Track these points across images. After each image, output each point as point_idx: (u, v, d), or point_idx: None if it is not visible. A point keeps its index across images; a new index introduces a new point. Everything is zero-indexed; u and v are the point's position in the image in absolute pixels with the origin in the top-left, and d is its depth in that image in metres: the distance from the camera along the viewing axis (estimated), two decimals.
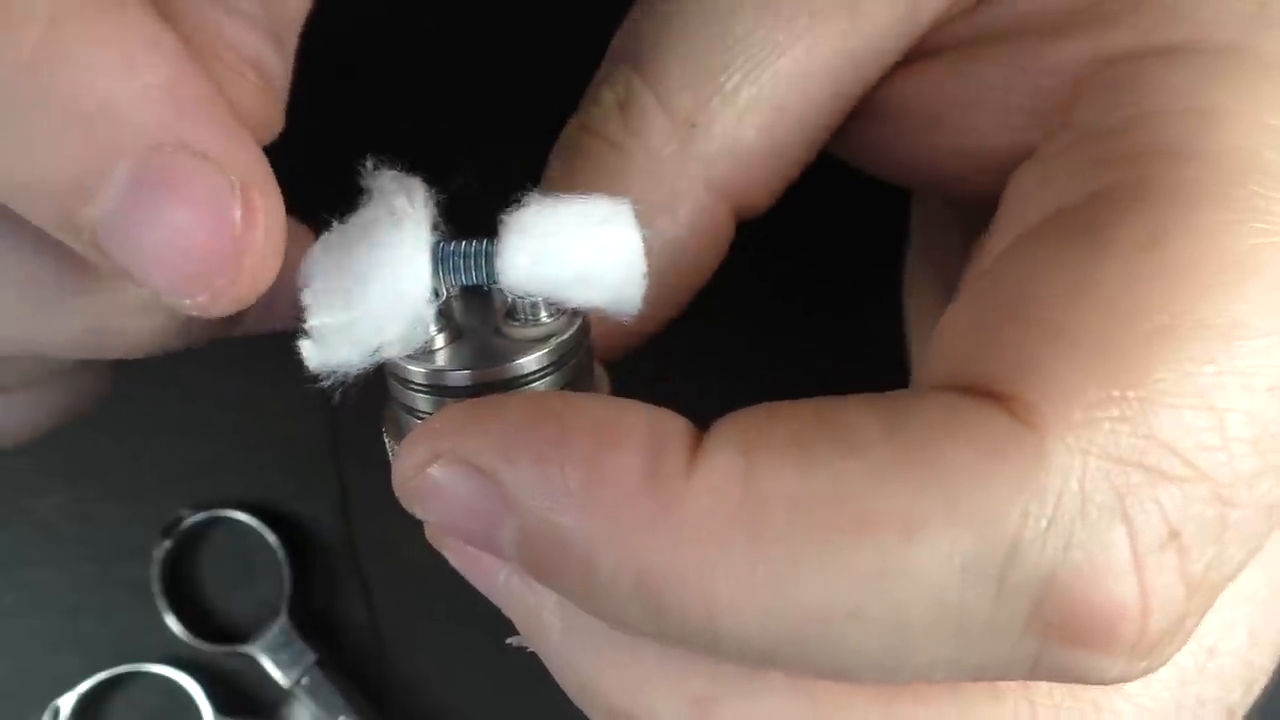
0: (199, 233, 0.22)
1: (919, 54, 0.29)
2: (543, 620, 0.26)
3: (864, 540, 0.21)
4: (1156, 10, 0.26)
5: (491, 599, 0.27)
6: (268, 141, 0.26)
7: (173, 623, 0.44)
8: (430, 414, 0.26)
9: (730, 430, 0.23)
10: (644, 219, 0.25)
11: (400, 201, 0.25)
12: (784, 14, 0.28)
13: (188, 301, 0.23)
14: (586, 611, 0.24)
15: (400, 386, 0.26)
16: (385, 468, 0.26)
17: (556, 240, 0.24)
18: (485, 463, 0.23)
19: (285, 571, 0.44)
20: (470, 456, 0.23)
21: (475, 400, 0.24)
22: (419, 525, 0.27)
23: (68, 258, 0.25)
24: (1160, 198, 0.23)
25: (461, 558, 0.26)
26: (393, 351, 0.25)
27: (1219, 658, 0.27)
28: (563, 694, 0.27)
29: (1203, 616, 0.23)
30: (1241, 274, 0.22)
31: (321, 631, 0.45)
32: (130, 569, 0.44)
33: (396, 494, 0.25)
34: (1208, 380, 0.22)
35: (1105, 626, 0.22)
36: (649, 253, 0.25)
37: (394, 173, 0.25)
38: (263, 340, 0.34)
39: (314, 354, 0.25)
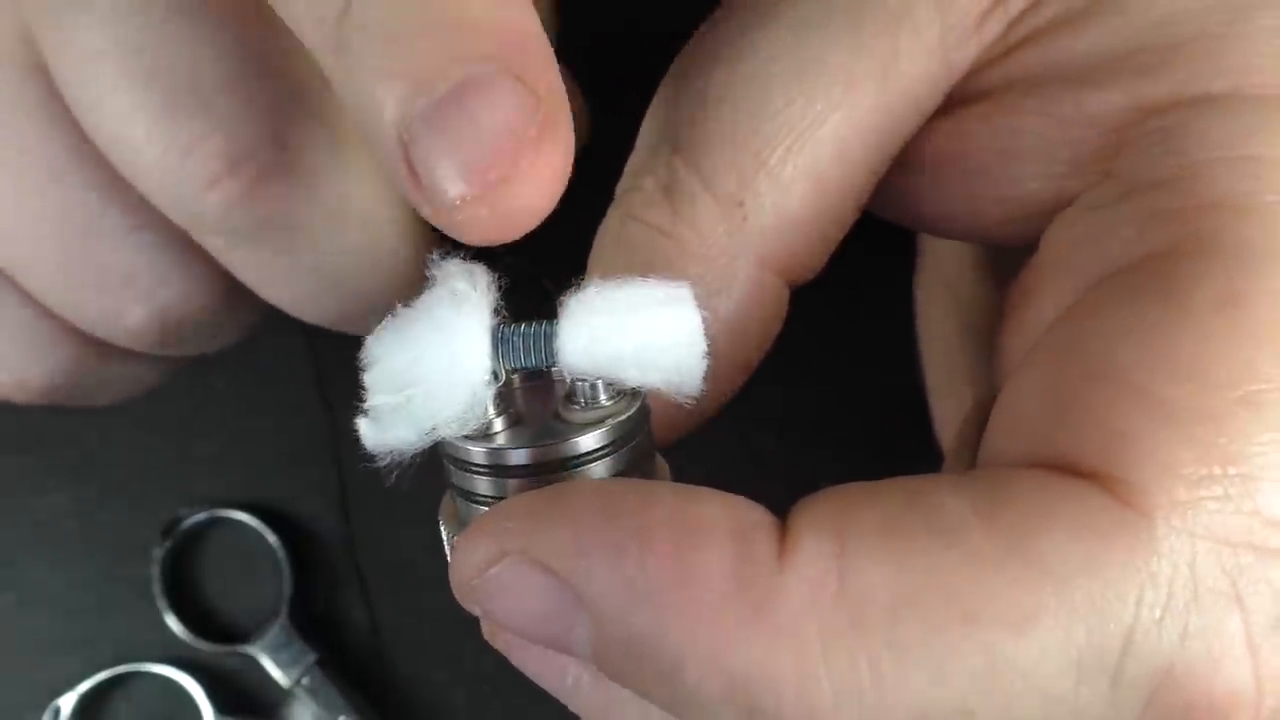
0: (493, 133, 0.22)
1: (954, 102, 0.29)
2: (618, 714, 0.25)
3: (971, 635, 0.21)
4: (1196, 60, 0.26)
5: (559, 697, 0.25)
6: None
7: (173, 623, 0.44)
8: (487, 497, 0.25)
9: (818, 518, 0.22)
10: (701, 302, 0.25)
11: (462, 285, 0.24)
12: (821, 83, 0.27)
13: (458, 202, 0.23)
14: (672, 715, 0.23)
15: (456, 469, 0.26)
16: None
17: (615, 320, 0.24)
18: (557, 562, 0.22)
19: (285, 571, 0.44)
20: (540, 556, 0.22)
21: (540, 491, 0.23)
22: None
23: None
24: (1230, 256, 0.23)
25: (526, 656, 0.25)
26: (449, 431, 0.24)
27: None
28: None
29: None
30: None
31: (321, 631, 0.45)
32: (130, 569, 0.44)
33: (455, 594, 0.24)
34: None
35: (1223, 713, 0.21)
36: (708, 334, 0.25)
37: (458, 259, 0.25)
38: (263, 340, 0.34)
39: (370, 433, 0.24)
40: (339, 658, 0.45)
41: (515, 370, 0.25)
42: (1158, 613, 0.21)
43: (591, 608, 0.22)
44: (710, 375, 0.25)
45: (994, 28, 0.28)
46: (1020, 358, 0.26)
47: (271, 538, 0.44)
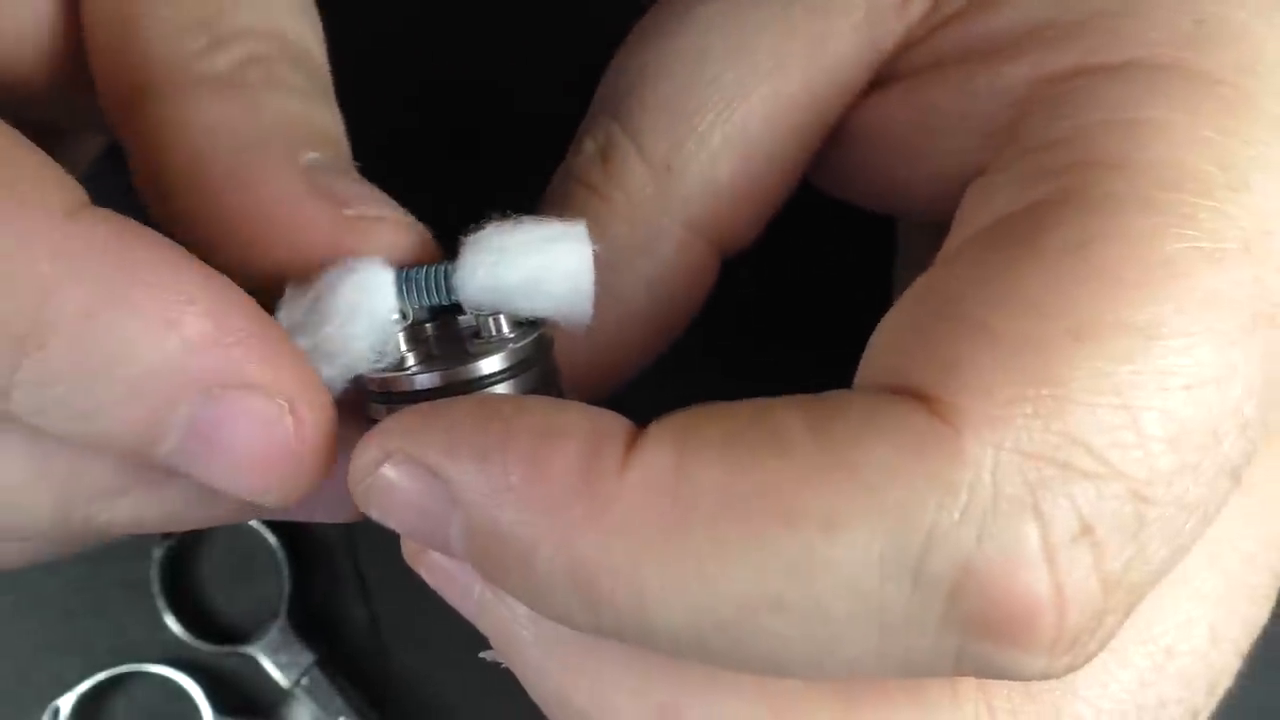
0: (259, 452, 0.25)
1: (882, 81, 0.30)
2: (514, 632, 0.26)
3: (787, 533, 0.22)
4: (1098, 32, 0.27)
5: (465, 615, 0.27)
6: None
7: (173, 623, 0.44)
8: None
9: (665, 428, 0.24)
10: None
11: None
12: (752, 56, 0.29)
13: (263, 502, 0.26)
14: (530, 608, 0.25)
15: (371, 403, 0.27)
16: None
17: (509, 254, 0.26)
18: (432, 460, 0.24)
19: (285, 571, 0.44)
20: (418, 455, 0.24)
21: (428, 404, 0.25)
22: None
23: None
24: (1091, 205, 0.24)
25: (435, 574, 0.27)
26: (364, 367, 0.26)
27: (1178, 658, 0.27)
28: None
29: (1126, 615, 0.23)
30: (1164, 277, 0.23)
31: (321, 631, 0.45)
32: (130, 569, 0.44)
33: (354, 499, 0.26)
34: (1124, 379, 0.22)
35: (1021, 619, 0.22)
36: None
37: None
38: None
39: None
40: (339, 658, 0.45)
41: (420, 307, 0.27)
42: (955, 515, 0.22)
43: (461, 502, 0.24)
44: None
45: (918, 8, 0.29)
46: None
47: (271, 538, 0.44)
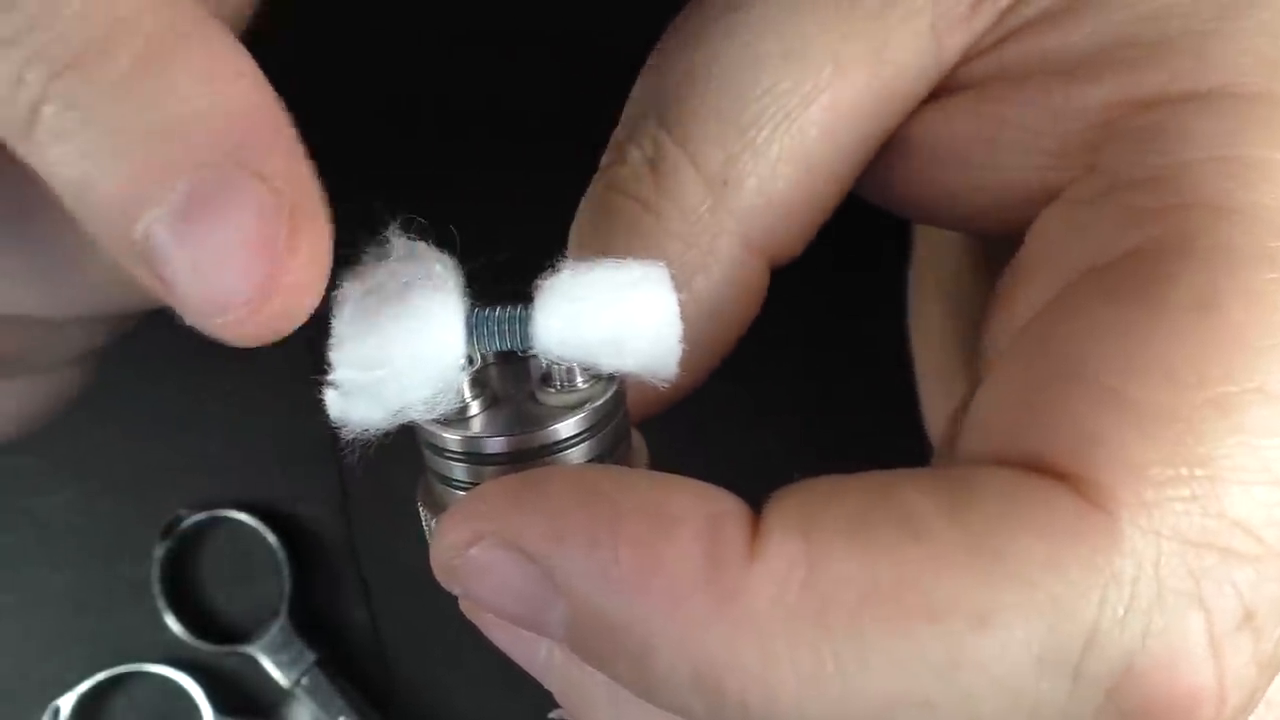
0: (241, 249, 0.22)
1: (943, 90, 0.29)
2: (590, 697, 0.25)
3: (934, 629, 0.21)
4: (1185, 55, 0.26)
5: (531, 672, 0.26)
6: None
7: (173, 623, 0.44)
8: (465, 482, 0.25)
9: (788, 511, 0.22)
10: (680, 280, 0.25)
11: (437, 267, 0.24)
12: (810, 64, 0.27)
13: (218, 321, 0.22)
14: (642, 698, 0.23)
15: (434, 455, 0.26)
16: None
17: (590, 304, 0.24)
18: (533, 547, 0.22)
19: (285, 571, 0.44)
20: (517, 540, 0.23)
21: (518, 476, 0.23)
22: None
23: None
24: (1209, 257, 0.23)
25: (500, 633, 0.25)
26: (418, 414, 0.24)
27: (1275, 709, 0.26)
28: None
29: (1269, 684, 0.23)
30: None
31: (321, 631, 0.45)
32: (130, 569, 0.44)
33: (435, 573, 0.24)
34: (1272, 453, 0.22)
35: (1184, 711, 0.21)
36: (685, 315, 0.24)
37: (422, 242, 0.25)
38: None
39: (338, 407, 0.24)
40: (339, 658, 0.45)
41: (489, 354, 0.25)
42: (1120, 611, 0.21)
43: (566, 592, 0.22)
44: (686, 357, 0.25)
45: (984, 18, 0.28)
46: (999, 354, 0.26)
47: (271, 538, 0.44)
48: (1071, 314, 0.24)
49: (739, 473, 0.29)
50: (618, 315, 0.24)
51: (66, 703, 0.44)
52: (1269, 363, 0.22)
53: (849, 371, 0.42)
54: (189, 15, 0.23)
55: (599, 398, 0.25)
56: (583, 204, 0.29)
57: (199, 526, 0.45)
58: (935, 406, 0.38)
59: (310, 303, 0.23)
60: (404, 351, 0.23)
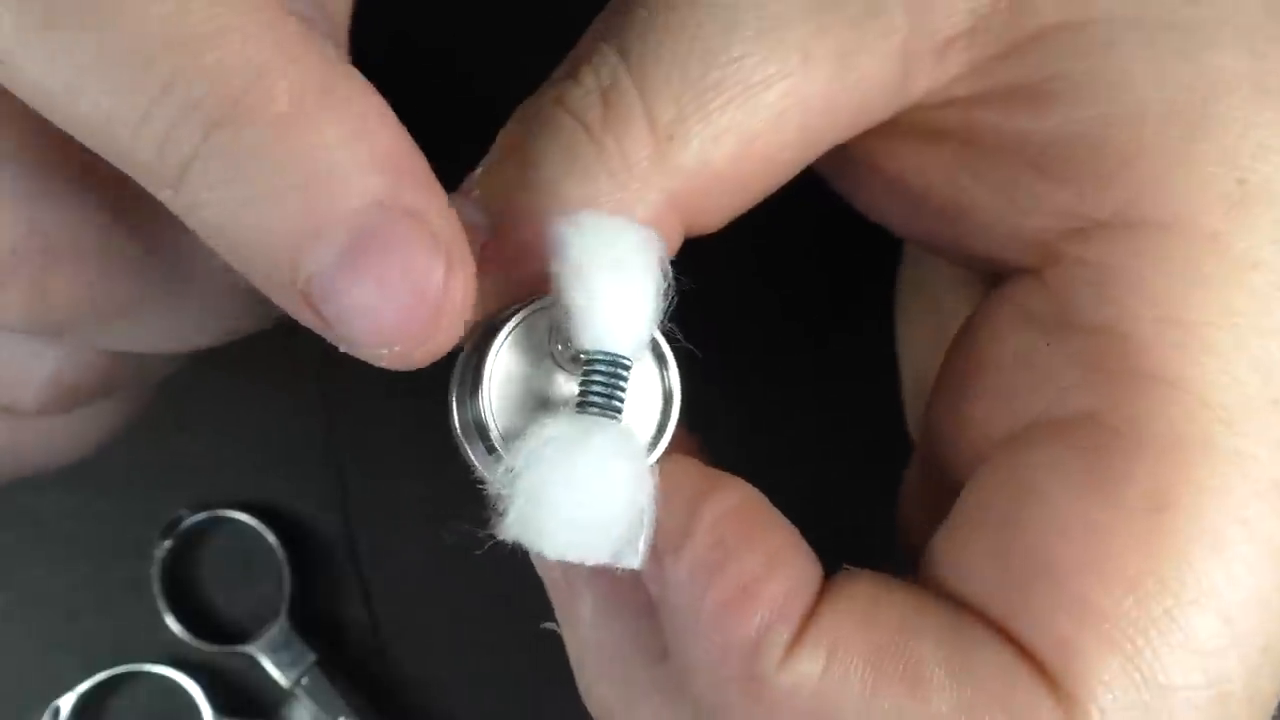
0: (405, 288, 0.24)
1: (917, 131, 0.30)
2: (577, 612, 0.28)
3: None
4: (1146, 180, 0.27)
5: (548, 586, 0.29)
6: None
7: (173, 623, 0.44)
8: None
9: (831, 625, 0.26)
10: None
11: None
12: (781, 47, 0.27)
13: (384, 353, 0.24)
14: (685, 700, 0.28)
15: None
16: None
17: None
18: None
19: (285, 571, 0.44)
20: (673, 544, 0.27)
21: (701, 483, 0.27)
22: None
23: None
24: (1161, 453, 0.26)
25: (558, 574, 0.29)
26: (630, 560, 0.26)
27: None
28: (562, 695, 0.27)
29: None
30: (1242, 538, 0.26)
31: (321, 631, 0.45)
32: (130, 569, 0.44)
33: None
34: (1213, 661, 0.26)
35: None
36: None
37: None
38: (263, 340, 0.34)
39: (516, 533, 0.25)
40: (339, 658, 0.45)
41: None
42: None
43: (660, 584, 0.27)
44: None
45: (956, 61, 0.28)
46: (961, 456, 0.30)
47: (271, 538, 0.44)
48: (1038, 500, 0.27)
49: (739, 473, 0.29)
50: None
51: (66, 703, 0.44)
52: (1213, 566, 0.26)
53: (849, 379, 0.42)
54: (324, 58, 0.24)
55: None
56: (522, 110, 0.29)
57: (199, 526, 0.45)
58: (918, 419, 0.38)
59: (462, 329, 0.25)
60: (614, 505, 0.26)
